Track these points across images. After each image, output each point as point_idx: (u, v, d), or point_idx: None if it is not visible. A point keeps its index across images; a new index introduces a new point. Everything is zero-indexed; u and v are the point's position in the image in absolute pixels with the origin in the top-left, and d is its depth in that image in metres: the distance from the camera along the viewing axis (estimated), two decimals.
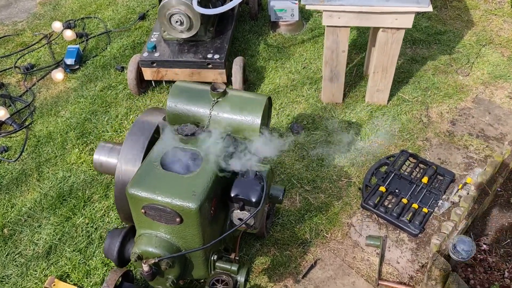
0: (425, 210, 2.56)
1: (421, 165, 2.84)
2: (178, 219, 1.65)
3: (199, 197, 1.63)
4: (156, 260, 1.68)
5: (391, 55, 2.95)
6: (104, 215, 2.64)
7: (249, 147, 1.88)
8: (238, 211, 1.83)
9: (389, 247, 2.47)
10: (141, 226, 1.77)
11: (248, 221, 1.81)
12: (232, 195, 1.79)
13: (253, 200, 1.78)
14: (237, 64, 3.22)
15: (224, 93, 1.89)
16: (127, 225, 2.09)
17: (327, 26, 2.85)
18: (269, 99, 1.96)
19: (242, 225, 1.80)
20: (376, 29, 2.94)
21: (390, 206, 2.63)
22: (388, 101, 3.27)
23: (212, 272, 1.90)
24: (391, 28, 2.80)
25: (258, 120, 1.86)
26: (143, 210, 1.68)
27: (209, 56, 3.21)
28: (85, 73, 3.70)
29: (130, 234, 1.97)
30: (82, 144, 3.09)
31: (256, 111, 1.86)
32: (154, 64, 3.26)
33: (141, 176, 1.71)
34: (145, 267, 1.68)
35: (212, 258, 1.86)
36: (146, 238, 1.74)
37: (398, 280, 2.32)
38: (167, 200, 1.63)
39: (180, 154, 1.81)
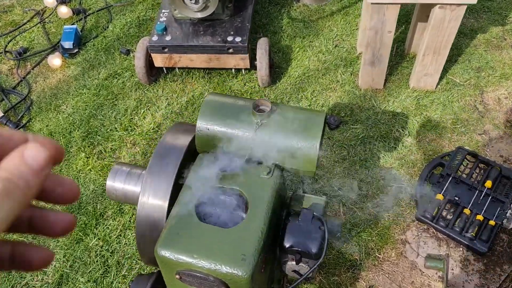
0: (491, 222, 2.21)
1: (482, 165, 2.46)
2: None
3: (250, 262, 1.26)
4: None
5: (446, 34, 2.49)
6: (120, 235, 2.30)
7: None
8: (293, 263, 1.47)
9: (452, 269, 2.13)
10: None
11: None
12: (287, 246, 1.43)
13: (313, 251, 1.42)
14: (262, 47, 2.77)
15: (270, 112, 1.48)
16: (153, 271, 1.74)
17: (373, 3, 2.38)
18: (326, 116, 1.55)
19: (301, 281, 1.45)
20: (427, 4, 2.47)
21: (449, 217, 2.28)
22: (436, 85, 2.84)
23: None
24: (451, 4, 2.33)
25: (316, 147, 1.46)
26: (178, 276, 1.33)
27: (229, 38, 2.75)
28: (85, 57, 3.25)
29: (158, 285, 1.62)
30: (88, 147, 2.70)
31: (313, 136, 1.46)
32: (166, 50, 2.81)
33: (173, 232, 1.34)
34: None
35: None
36: None
37: None
38: (209, 267, 1.26)
39: (219, 197, 1.43)
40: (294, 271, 1.49)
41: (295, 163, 1.50)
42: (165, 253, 1.30)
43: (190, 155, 1.66)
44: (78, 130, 2.79)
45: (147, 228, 1.59)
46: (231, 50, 2.76)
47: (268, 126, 1.49)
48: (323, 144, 1.69)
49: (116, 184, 1.80)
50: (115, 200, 1.86)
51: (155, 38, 2.81)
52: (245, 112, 1.51)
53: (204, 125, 1.53)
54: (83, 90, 3.03)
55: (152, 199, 1.60)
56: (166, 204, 1.57)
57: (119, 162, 1.92)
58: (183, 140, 1.67)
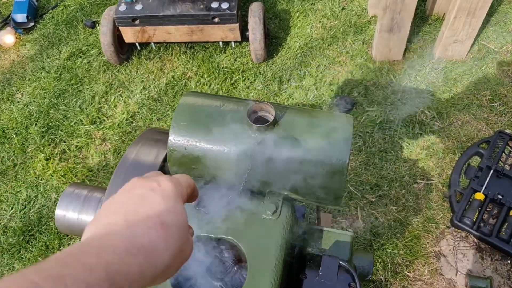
0: None
1: None
2: None
3: None
4: None
5: None
6: None
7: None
8: None
9: (499, 287, 1.73)
10: None
11: None
12: None
13: None
14: (256, 14, 2.25)
15: (274, 122, 1.01)
16: None
17: None
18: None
19: None
20: None
21: (492, 221, 1.86)
22: (466, 53, 2.35)
23: None
24: None
25: (343, 169, 1.00)
26: None
27: (214, 5, 2.23)
28: (43, 33, 2.71)
29: None
30: (49, 145, 2.22)
31: (338, 153, 1.00)
32: (137, 21, 2.29)
33: None
34: None
35: None
36: None
37: None
38: None
39: (202, 251, 0.98)
40: None
41: (313, 193, 1.05)
42: None
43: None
44: (36, 125, 2.30)
45: None
46: (217, 20, 2.24)
47: (271, 142, 1.02)
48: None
49: (69, 214, 1.36)
50: (69, 234, 1.41)
51: (122, 7, 2.28)
52: (238, 121, 1.04)
53: (179, 141, 1.06)
54: (41, 73, 2.52)
55: None
56: None
57: (73, 184, 1.45)
58: (155, 156, 1.21)
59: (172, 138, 1.06)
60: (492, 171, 1.95)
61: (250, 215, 1.01)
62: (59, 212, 1.34)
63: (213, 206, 1.02)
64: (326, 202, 1.07)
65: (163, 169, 1.21)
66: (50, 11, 2.80)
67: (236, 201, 1.03)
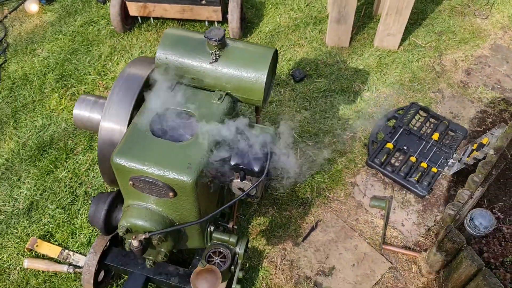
0: (434, 169, 2.40)
1: (432, 120, 2.64)
2: (171, 194, 1.45)
3: (195, 170, 1.42)
4: (147, 236, 1.50)
5: None
6: (89, 169, 2.44)
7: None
8: (238, 180, 1.63)
9: (394, 209, 2.33)
10: (129, 197, 1.57)
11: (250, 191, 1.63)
12: (232, 164, 1.58)
13: (256, 170, 1.58)
14: (234, 0, 2.87)
15: (224, 44, 1.61)
16: (113, 190, 1.89)
17: None
18: (275, 52, 1.69)
19: (243, 196, 1.61)
20: None
21: (397, 164, 2.46)
22: (399, 46, 2.99)
23: (209, 243, 1.74)
24: None
25: (263, 78, 1.60)
26: (131, 182, 1.48)
27: None
28: (62, 4, 3.31)
29: (117, 200, 1.77)
30: (62, 88, 2.80)
31: (261, 68, 1.60)
32: None
33: (128, 143, 1.48)
34: (135, 243, 1.50)
35: (208, 229, 1.70)
36: (135, 210, 1.55)
37: (402, 245, 2.21)
38: (158, 173, 1.41)
39: (173, 117, 1.57)
40: (240, 188, 1.65)
41: (244, 92, 1.64)
42: (119, 160, 1.44)
43: (150, 86, 1.79)
44: (52, 73, 2.88)
45: (107, 151, 1.72)
46: (203, 2, 2.85)
47: (222, 58, 1.62)
48: (274, 83, 1.84)
49: (82, 112, 1.91)
50: (81, 128, 1.98)
51: None
52: (201, 43, 1.64)
53: (163, 54, 1.66)
54: (58, 35, 3.10)
55: (111, 124, 1.71)
56: (124, 129, 1.70)
57: (86, 93, 2.03)
58: (143, 71, 1.79)
59: (159, 53, 1.66)
60: (402, 129, 2.56)
61: (204, 100, 1.61)
62: (76, 111, 1.91)
63: (184, 93, 1.61)
64: (253, 101, 1.66)
65: (148, 78, 1.79)
66: None
67: (197, 93, 1.63)
